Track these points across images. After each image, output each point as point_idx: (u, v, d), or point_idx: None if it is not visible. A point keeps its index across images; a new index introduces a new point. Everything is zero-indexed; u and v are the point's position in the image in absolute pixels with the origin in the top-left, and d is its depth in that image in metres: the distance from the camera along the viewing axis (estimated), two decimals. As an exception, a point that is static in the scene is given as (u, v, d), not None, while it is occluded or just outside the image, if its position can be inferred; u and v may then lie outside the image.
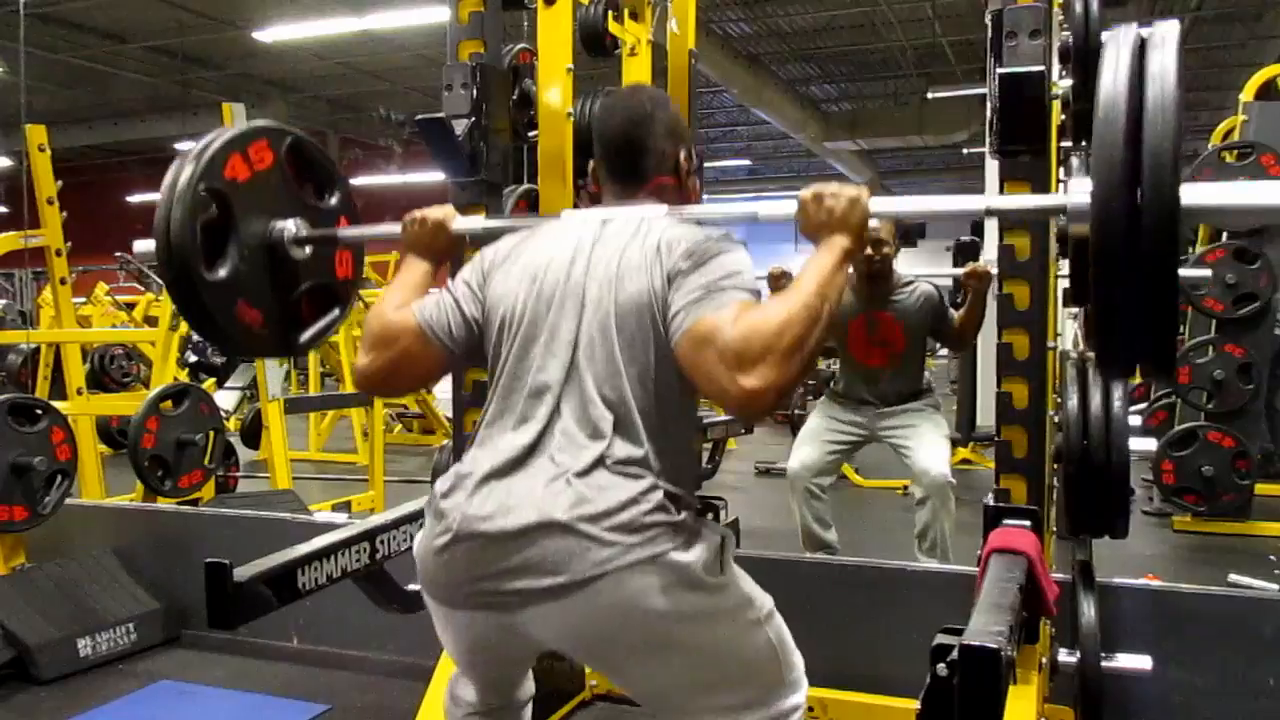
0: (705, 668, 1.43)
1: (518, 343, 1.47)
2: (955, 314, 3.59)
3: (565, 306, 1.45)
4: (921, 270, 3.80)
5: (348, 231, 1.94)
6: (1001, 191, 1.97)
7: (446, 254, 1.77)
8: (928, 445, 3.47)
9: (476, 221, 1.81)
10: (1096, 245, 1.19)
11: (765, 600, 1.51)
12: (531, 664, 1.67)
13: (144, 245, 1.83)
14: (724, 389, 1.28)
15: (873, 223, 3.87)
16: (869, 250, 3.49)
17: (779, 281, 3.59)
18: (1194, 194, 1.21)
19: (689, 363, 1.34)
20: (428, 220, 1.72)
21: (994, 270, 2.28)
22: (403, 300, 1.60)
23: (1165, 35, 1.22)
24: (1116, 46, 1.22)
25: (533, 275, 1.49)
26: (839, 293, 1.35)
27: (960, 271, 3.48)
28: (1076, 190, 1.28)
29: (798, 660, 1.54)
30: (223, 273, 1.73)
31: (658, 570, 1.33)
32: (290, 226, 1.82)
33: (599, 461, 1.36)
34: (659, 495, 1.36)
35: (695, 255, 1.39)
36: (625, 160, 1.59)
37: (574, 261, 1.47)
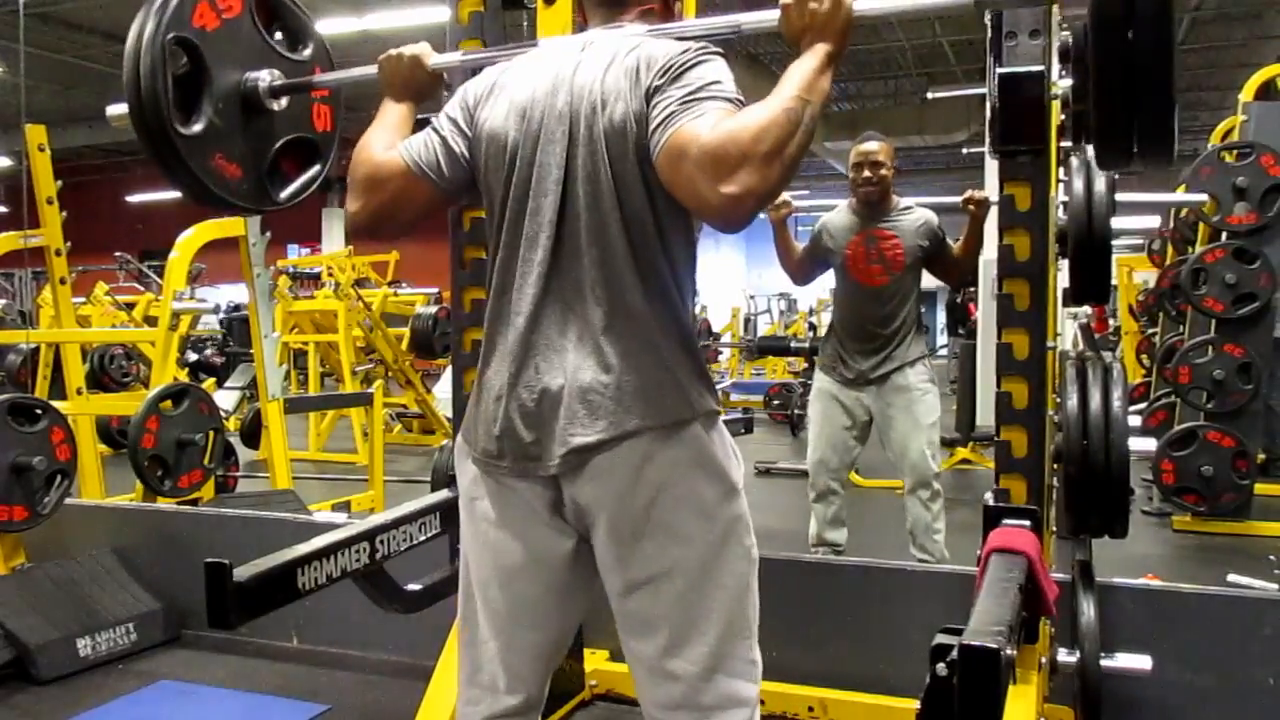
0: (696, 571, 1.42)
1: (513, 184, 1.45)
2: (952, 243, 3.60)
3: (553, 140, 1.42)
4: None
5: (324, 77, 1.92)
6: (1001, 191, 1.97)
7: (425, 92, 1.70)
8: (912, 434, 3.48)
9: (453, 56, 1.76)
10: (1095, 19, 1.18)
11: (756, 549, 1.51)
12: (572, 609, 1.59)
13: (117, 107, 1.78)
14: (704, 197, 1.26)
15: (871, 144, 3.81)
16: (866, 172, 3.51)
17: (779, 210, 3.58)
18: None
19: (669, 177, 1.31)
20: (404, 55, 1.67)
21: (993, 199, 2.27)
22: (388, 142, 1.56)
23: None
24: None
25: (520, 110, 1.45)
26: (822, 98, 1.30)
27: (958, 199, 3.48)
28: None
29: (758, 649, 1.50)
30: (198, 126, 1.70)
31: (679, 441, 1.39)
32: (264, 76, 1.80)
33: (611, 318, 1.39)
34: (675, 366, 1.40)
35: (672, 69, 1.35)
36: None
37: (556, 92, 1.43)
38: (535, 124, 1.44)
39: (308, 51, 1.94)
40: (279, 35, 1.90)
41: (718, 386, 10.60)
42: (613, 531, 1.42)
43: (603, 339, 1.38)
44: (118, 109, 1.78)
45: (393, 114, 1.64)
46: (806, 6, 1.35)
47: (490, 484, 1.50)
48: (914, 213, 3.57)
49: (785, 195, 3.54)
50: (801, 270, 3.77)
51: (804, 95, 1.27)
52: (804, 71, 1.31)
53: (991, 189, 2.75)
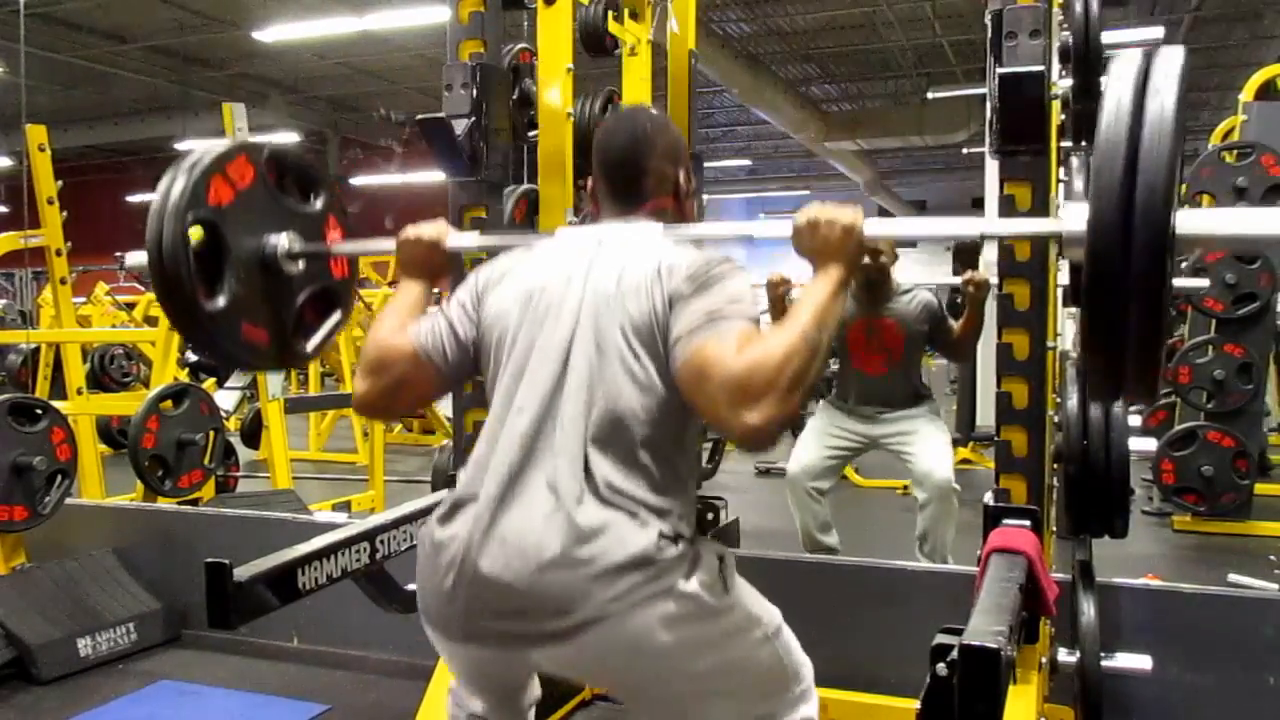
0: (715, 689, 1.44)
1: (512, 364, 1.46)
2: (954, 323, 3.58)
3: (560, 328, 1.43)
4: (920, 276, 3.81)
5: (341, 246, 1.94)
6: (1001, 191, 1.97)
7: (442, 272, 1.75)
8: (930, 450, 3.46)
9: (471, 239, 1.80)
10: (1089, 273, 1.21)
11: (773, 616, 1.52)
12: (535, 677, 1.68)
13: (136, 257, 1.79)
14: (727, 422, 1.29)
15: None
16: (867, 259, 3.48)
17: (777, 289, 3.58)
18: (1187, 222, 1.23)
19: (690, 391, 1.34)
20: (422, 238, 1.71)
21: (993, 278, 2.28)
22: (399, 324, 1.59)
23: (1168, 69, 1.24)
24: (1120, 73, 1.24)
25: (527, 295, 1.48)
26: (836, 320, 1.36)
27: (959, 280, 3.46)
28: (1071, 216, 1.30)
29: (807, 672, 1.56)
30: (222, 300, 1.72)
31: (662, 604, 1.33)
32: (283, 242, 1.81)
33: (595, 494, 1.34)
34: (658, 530, 1.34)
35: (697, 279, 1.38)
36: (624, 181, 1.59)
37: (569, 282, 1.46)
38: (540, 309, 1.45)
39: (320, 202, 1.94)
40: (292, 190, 1.91)
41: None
42: (615, 690, 1.47)
43: (578, 514, 1.33)
44: (138, 260, 1.78)
45: (408, 294, 1.68)
46: (818, 231, 1.41)
47: (444, 646, 1.47)
48: (914, 297, 3.57)
49: (782, 274, 3.58)
50: None
51: (819, 321, 1.33)
52: (819, 298, 1.36)
53: (992, 189, 2.75)
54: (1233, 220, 1.31)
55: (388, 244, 1.78)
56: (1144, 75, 1.23)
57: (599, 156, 1.62)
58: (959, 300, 3.66)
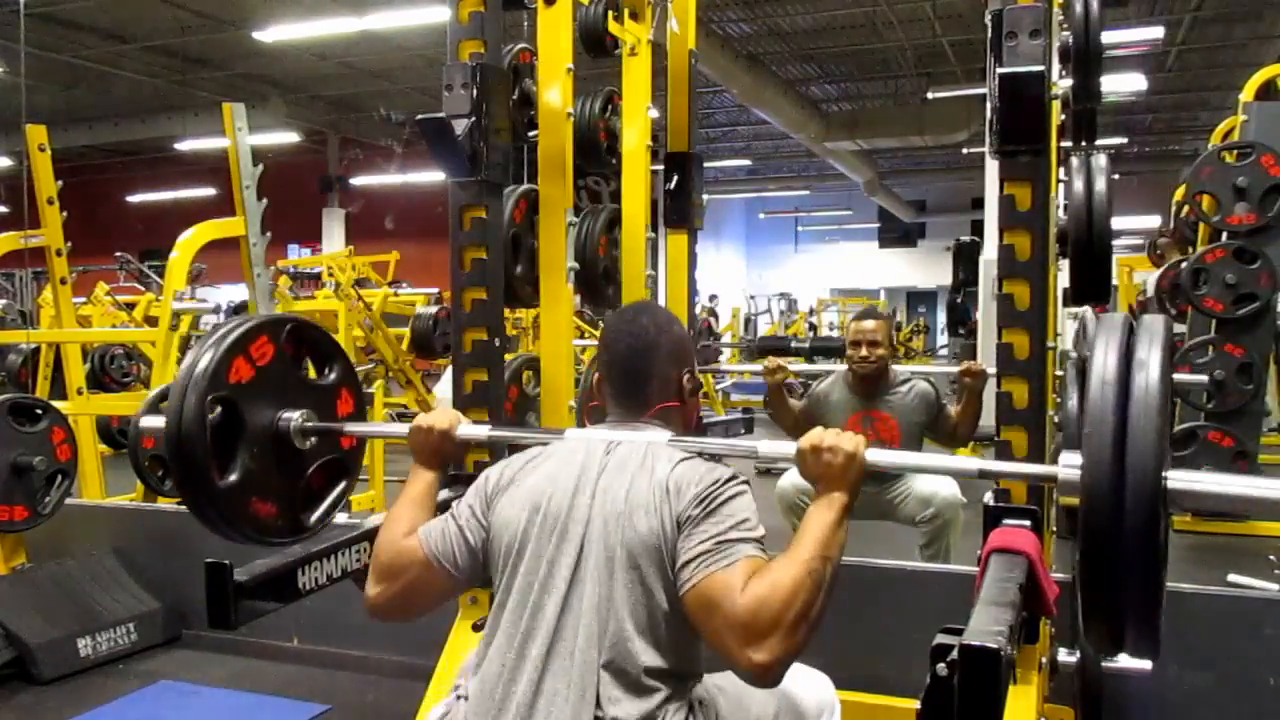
0: None
1: (520, 575, 1.47)
2: (952, 410, 3.54)
3: (567, 539, 1.45)
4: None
5: (353, 427, 1.98)
6: (1001, 191, 1.97)
7: (451, 459, 1.81)
8: (929, 479, 3.40)
9: (481, 430, 1.83)
10: (1084, 529, 1.25)
11: (769, 705, 1.54)
12: None
13: (152, 421, 1.83)
14: (734, 657, 1.32)
15: (868, 323, 3.84)
16: (864, 350, 3.47)
17: (775, 376, 3.55)
18: (1178, 481, 1.26)
19: (697, 620, 1.36)
20: (434, 429, 1.76)
21: (990, 370, 2.27)
22: (411, 522, 1.62)
23: (1152, 336, 1.28)
24: (1105, 343, 1.29)
25: (535, 503, 1.50)
26: (841, 549, 1.40)
27: (956, 369, 3.45)
28: (1067, 464, 1.35)
29: (825, 698, 1.62)
30: (234, 476, 1.76)
31: None
32: (296, 418, 1.85)
33: (604, 698, 1.36)
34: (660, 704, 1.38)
35: (705, 501, 1.41)
36: (630, 386, 1.64)
37: (578, 492, 1.48)
38: (550, 519, 1.48)
39: (334, 375, 1.99)
40: (307, 362, 1.97)
41: (718, 387, 10.51)
42: None
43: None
44: (153, 423, 1.82)
45: (420, 484, 1.73)
46: (821, 458, 1.47)
47: None
48: (911, 389, 3.53)
49: (781, 361, 3.59)
50: (795, 431, 3.73)
51: (825, 553, 1.37)
52: (822, 527, 1.40)
53: (992, 189, 2.74)
54: (1225, 483, 1.33)
55: (401, 428, 1.83)
56: (1128, 345, 1.28)
57: (604, 356, 1.67)
58: (957, 384, 3.61)
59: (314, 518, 1.95)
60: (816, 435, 1.48)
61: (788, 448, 1.53)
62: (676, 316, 1.76)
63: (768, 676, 1.31)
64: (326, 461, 1.96)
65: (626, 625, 1.39)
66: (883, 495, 3.49)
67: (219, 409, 1.74)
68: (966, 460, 1.65)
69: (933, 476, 3.40)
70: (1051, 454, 2.17)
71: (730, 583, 1.33)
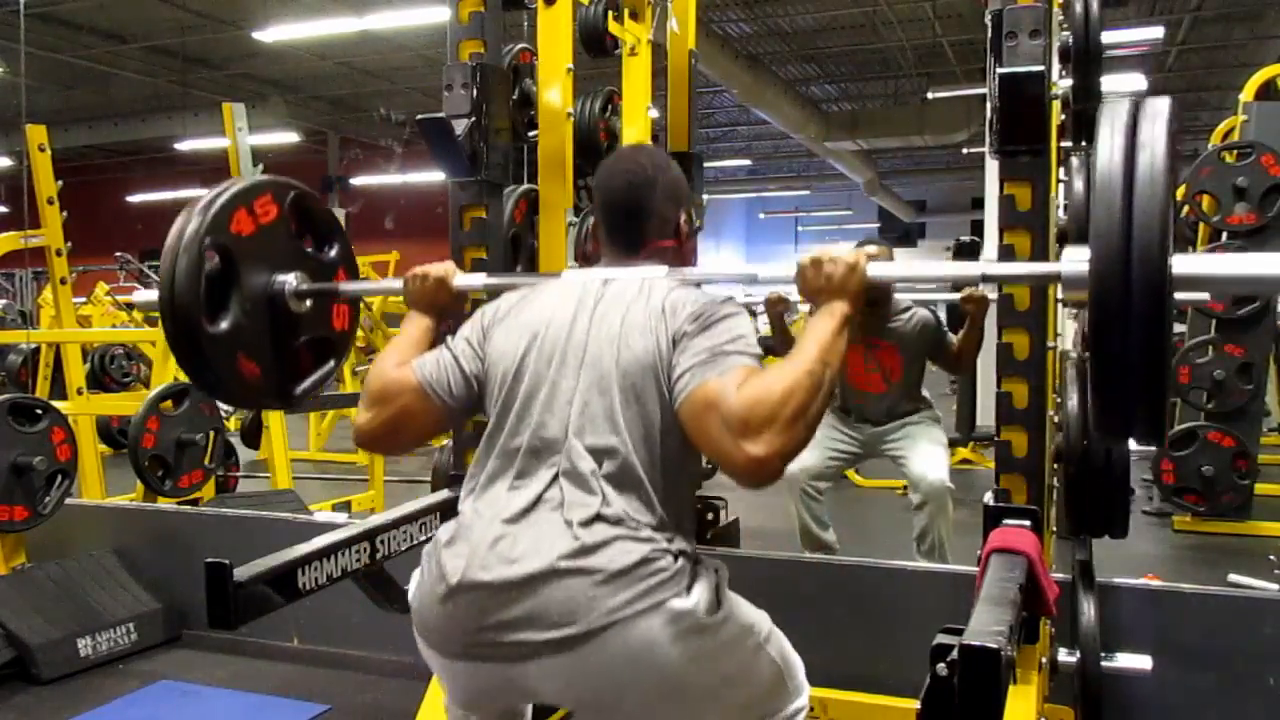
0: (712, 700, 1.44)
1: (518, 400, 1.48)
2: (953, 338, 3.56)
3: (566, 364, 1.46)
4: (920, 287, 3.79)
5: (348, 286, 1.96)
6: (1001, 191, 1.97)
7: (448, 309, 1.79)
8: (924, 453, 3.47)
9: (478, 279, 1.84)
10: (1092, 316, 1.24)
11: (763, 621, 1.53)
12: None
13: (144, 295, 1.84)
14: (728, 454, 1.31)
15: (871, 249, 3.91)
16: None
17: (776, 307, 3.57)
18: (1184, 265, 1.25)
19: (692, 426, 1.36)
20: (429, 276, 1.75)
21: (991, 294, 2.28)
22: (403, 358, 1.61)
23: (1156, 114, 1.26)
24: (1110, 125, 1.26)
25: (533, 332, 1.51)
26: (840, 357, 1.38)
27: (958, 296, 3.42)
28: (1071, 259, 1.34)
29: (799, 667, 1.57)
30: (224, 325, 1.74)
31: (661, 620, 1.34)
32: (291, 280, 1.84)
33: (600, 517, 1.37)
34: (660, 548, 1.37)
35: (700, 318, 1.42)
36: (626, 223, 1.61)
37: (575, 320, 1.49)
38: (549, 346, 1.48)
39: (334, 252, 1.98)
40: (307, 236, 1.95)
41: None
42: (608, 716, 1.43)
43: (583, 533, 1.36)
44: (146, 297, 1.82)
45: (414, 329, 1.73)
46: (822, 270, 1.44)
47: (440, 665, 1.47)
48: (913, 316, 3.54)
49: (782, 293, 3.60)
50: None
51: (824, 358, 1.35)
52: (822, 334, 1.39)
53: (992, 189, 2.74)
54: (1228, 263, 1.33)
55: (395, 283, 1.83)
56: (1133, 127, 1.26)
57: (600, 197, 1.64)
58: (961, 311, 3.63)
59: (299, 389, 1.93)
60: (816, 250, 1.47)
61: (787, 270, 1.50)
62: (674, 160, 1.72)
63: (763, 471, 1.29)
64: (318, 339, 1.95)
65: (624, 442, 1.40)
66: (882, 437, 3.59)
67: (216, 259, 1.72)
68: (969, 265, 1.60)
69: (927, 457, 3.44)
70: (1052, 454, 2.17)
71: (725, 385, 1.33)
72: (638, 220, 1.60)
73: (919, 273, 1.56)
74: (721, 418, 1.31)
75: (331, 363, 2.00)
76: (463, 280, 1.78)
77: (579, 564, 1.33)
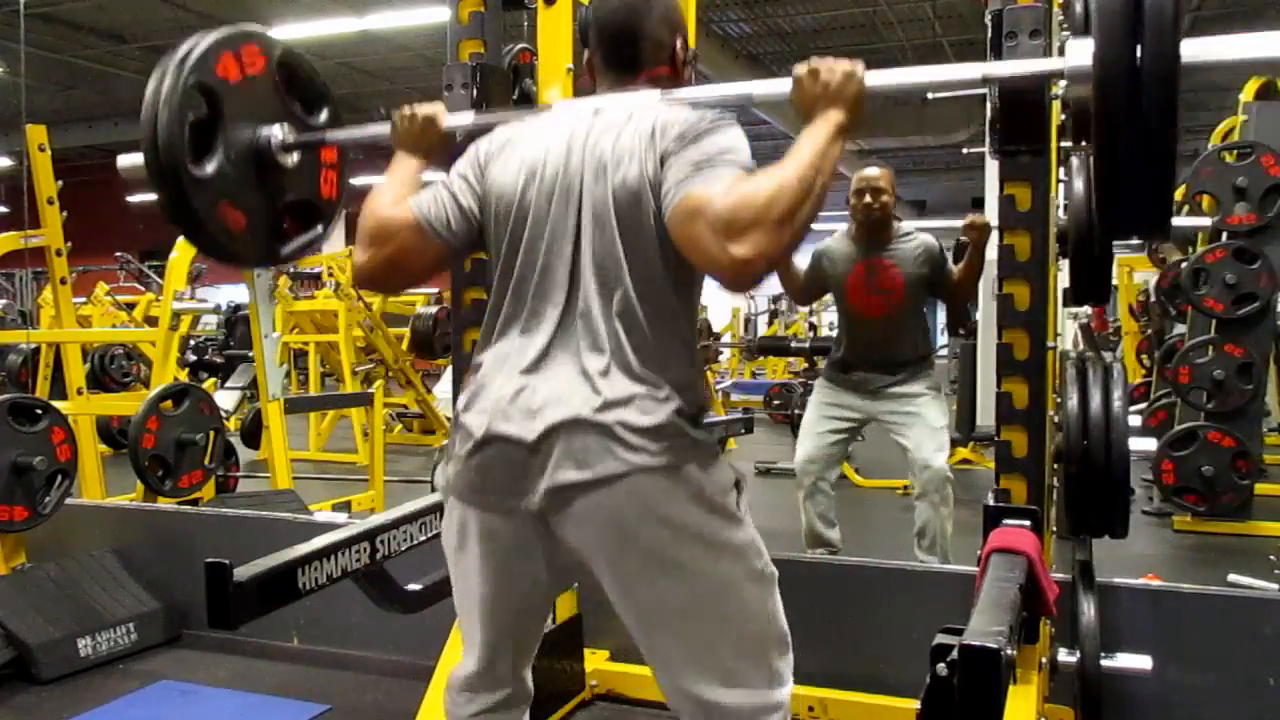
0: (707, 603, 1.42)
1: (524, 240, 1.47)
2: (954, 267, 3.58)
3: (565, 200, 1.44)
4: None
5: (336, 133, 1.95)
6: (1001, 191, 1.97)
7: (436, 150, 1.73)
8: (926, 437, 3.46)
9: (466, 117, 1.80)
10: (1099, 103, 1.21)
11: (772, 566, 1.50)
12: (546, 612, 1.68)
13: (129, 158, 1.81)
14: (714, 258, 1.28)
15: (872, 170, 3.83)
16: (867, 198, 3.50)
17: None
18: (1194, 49, 1.23)
19: (680, 236, 1.33)
20: (418, 115, 1.70)
21: (994, 222, 2.27)
22: (396, 196, 1.57)
23: None
24: None
25: (531, 168, 1.48)
26: (833, 166, 1.33)
27: (959, 223, 3.46)
28: (1075, 52, 1.31)
29: (788, 661, 1.52)
30: (209, 169, 1.73)
31: (677, 479, 1.38)
32: (278, 132, 1.82)
33: (616, 367, 1.39)
34: (675, 406, 1.39)
35: (688, 134, 1.38)
36: (621, 48, 1.57)
37: (570, 152, 1.46)
38: (548, 182, 1.46)
39: (322, 117, 1.97)
40: (297, 99, 1.94)
41: (718, 386, 10.52)
42: (613, 571, 1.43)
43: (603, 385, 1.38)
44: (130, 160, 1.81)
45: (404, 169, 1.67)
46: (819, 77, 1.39)
47: (473, 519, 1.49)
48: (914, 239, 3.55)
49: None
50: (802, 293, 3.80)
51: (816, 163, 1.30)
52: (817, 139, 1.34)
53: (992, 189, 2.74)
54: (1238, 45, 1.33)
55: (383, 128, 1.77)
56: None
57: (595, 24, 1.59)
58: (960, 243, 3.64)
59: (286, 250, 1.93)
60: (813, 60, 1.42)
61: (783, 84, 1.44)
62: None
63: (747, 272, 1.27)
64: (304, 202, 1.94)
65: (627, 278, 1.40)
66: (881, 399, 3.55)
67: (203, 104, 1.71)
68: (968, 67, 1.55)
69: (928, 440, 3.44)
70: (1052, 454, 2.17)
71: (711, 190, 1.30)
72: (633, 46, 1.56)
73: (917, 79, 1.54)
74: (708, 221, 1.28)
75: (319, 228, 1.99)
76: (452, 120, 1.73)
77: (600, 419, 1.35)
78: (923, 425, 3.48)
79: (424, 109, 1.71)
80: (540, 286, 1.45)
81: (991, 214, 2.75)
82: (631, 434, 1.36)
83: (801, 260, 3.78)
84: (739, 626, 1.45)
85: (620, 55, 1.57)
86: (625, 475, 1.35)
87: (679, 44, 1.60)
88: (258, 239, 1.87)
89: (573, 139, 1.47)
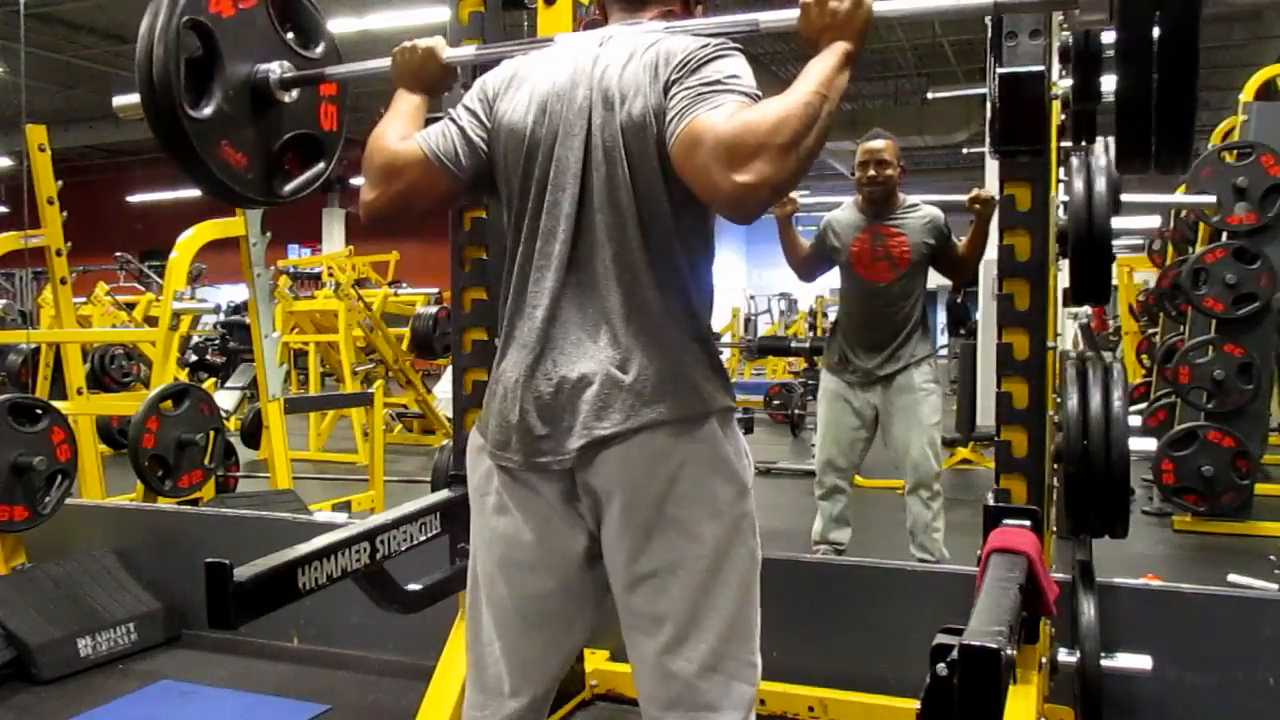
0: (706, 568, 1.42)
1: (533, 178, 1.45)
2: (958, 242, 3.59)
3: (572, 134, 1.42)
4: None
5: (335, 69, 1.93)
6: (1002, 191, 1.97)
7: (438, 85, 1.72)
8: (917, 435, 3.47)
9: (468, 50, 1.79)
10: (1121, 33, 1.28)
11: (760, 554, 1.51)
12: (583, 599, 1.56)
13: (125, 98, 1.79)
14: (717, 185, 1.25)
15: (878, 142, 3.80)
16: (872, 170, 3.51)
17: (784, 208, 3.54)
18: None
19: (683, 165, 1.31)
20: (418, 48, 1.68)
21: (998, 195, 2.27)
22: (403, 132, 1.55)
23: None
24: None
25: (540, 103, 1.46)
26: (839, 94, 1.31)
27: (964, 197, 3.45)
28: None
29: (757, 665, 1.50)
30: (207, 110, 1.71)
31: (696, 434, 1.41)
32: (275, 68, 1.81)
33: (631, 308, 1.40)
34: (690, 358, 1.42)
35: (691, 63, 1.36)
36: None
37: (575, 86, 1.44)
38: (555, 118, 1.44)
39: (319, 50, 1.97)
40: (292, 32, 1.93)
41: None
42: (624, 524, 1.42)
43: (620, 333, 1.39)
44: (126, 99, 1.78)
45: (406, 104, 1.65)
46: (827, 6, 1.36)
47: (503, 477, 1.49)
48: (920, 210, 3.55)
49: (793, 194, 3.57)
50: (807, 266, 3.77)
51: (822, 91, 1.28)
52: (823, 68, 1.31)
53: (992, 189, 2.75)
54: None
55: (383, 62, 1.75)
56: None
57: None
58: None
59: (286, 188, 1.92)
60: None
61: (790, 14, 1.42)
62: None
63: (750, 199, 1.24)
64: (304, 137, 1.93)
65: (636, 214, 1.40)
66: (886, 386, 3.52)
67: (196, 43, 1.70)
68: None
69: (920, 436, 3.45)
70: (1052, 454, 2.17)
71: (714, 117, 1.27)
72: None
73: (925, 6, 1.53)
74: (710, 147, 1.25)
75: (321, 164, 1.99)
76: (452, 53, 1.71)
77: (626, 373, 1.38)
78: (915, 422, 3.49)
79: (424, 42, 1.69)
80: (548, 229, 1.43)
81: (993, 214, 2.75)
82: (649, 390, 1.38)
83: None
84: (728, 601, 1.44)
85: None
86: (644, 429, 1.37)
87: None
88: (260, 177, 1.85)
89: (578, 72, 1.45)
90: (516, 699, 1.55)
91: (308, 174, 1.96)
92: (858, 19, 1.36)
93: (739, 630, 1.46)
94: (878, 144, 3.53)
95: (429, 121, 1.62)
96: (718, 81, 1.33)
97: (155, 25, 1.66)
